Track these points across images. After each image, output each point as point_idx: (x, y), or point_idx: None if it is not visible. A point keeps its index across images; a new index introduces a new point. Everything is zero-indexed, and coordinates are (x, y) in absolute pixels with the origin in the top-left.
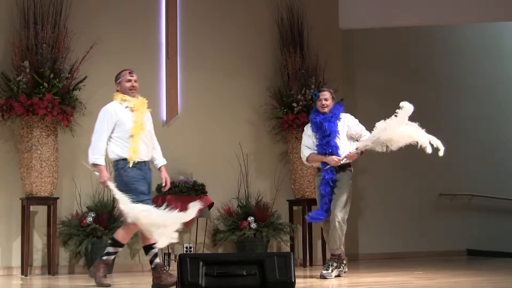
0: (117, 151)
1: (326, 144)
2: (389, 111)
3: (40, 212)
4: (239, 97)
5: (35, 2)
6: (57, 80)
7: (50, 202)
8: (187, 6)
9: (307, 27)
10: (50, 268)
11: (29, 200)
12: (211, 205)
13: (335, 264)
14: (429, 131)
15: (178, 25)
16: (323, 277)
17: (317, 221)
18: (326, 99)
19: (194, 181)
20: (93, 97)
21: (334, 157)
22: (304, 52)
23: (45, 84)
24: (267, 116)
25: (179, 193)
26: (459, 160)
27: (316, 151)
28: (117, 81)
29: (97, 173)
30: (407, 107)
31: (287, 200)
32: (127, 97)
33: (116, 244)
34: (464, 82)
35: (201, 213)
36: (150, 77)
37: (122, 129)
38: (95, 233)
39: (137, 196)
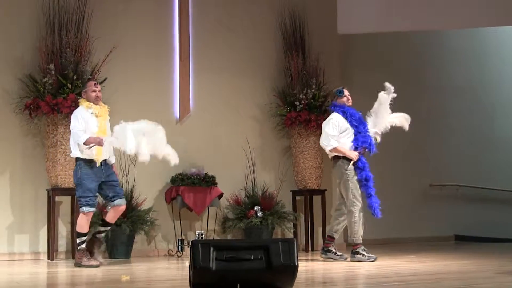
0: (80, 152)
1: (367, 137)
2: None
3: (64, 202)
4: (246, 97)
5: (60, 10)
6: (80, 81)
7: (73, 192)
8: (198, 15)
9: (308, 32)
10: (74, 253)
11: (54, 191)
12: (221, 195)
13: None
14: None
15: (190, 31)
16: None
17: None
18: (349, 95)
19: (205, 173)
20: (112, 97)
21: (355, 153)
22: (306, 55)
23: (69, 85)
24: (271, 113)
25: (191, 184)
26: (448, 152)
27: (352, 144)
28: (84, 90)
29: (92, 148)
30: (383, 97)
31: (291, 191)
32: (91, 104)
33: (80, 235)
34: (456, 83)
35: (211, 202)
36: (164, 79)
37: (87, 132)
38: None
39: (84, 192)
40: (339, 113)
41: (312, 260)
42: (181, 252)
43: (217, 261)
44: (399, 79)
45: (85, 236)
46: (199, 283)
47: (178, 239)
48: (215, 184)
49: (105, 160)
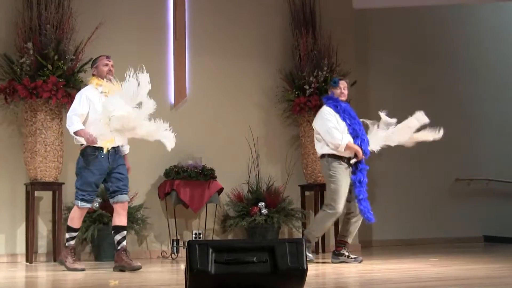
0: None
1: (361, 130)
2: (402, 93)
3: (45, 198)
4: (249, 80)
5: None
6: (62, 62)
7: (55, 187)
8: None
9: (320, 7)
10: (56, 255)
11: (33, 186)
12: (220, 191)
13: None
14: (444, 114)
15: (186, 5)
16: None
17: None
18: (345, 88)
19: (203, 165)
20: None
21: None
22: (317, 33)
23: (49, 66)
24: (278, 99)
25: (188, 178)
26: (476, 144)
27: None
28: (94, 65)
29: (82, 142)
30: (421, 119)
31: (299, 185)
32: (102, 81)
33: (69, 229)
34: (481, 64)
35: (210, 198)
36: (157, 59)
37: (94, 114)
38: (101, 219)
39: (82, 185)
40: (330, 106)
41: (323, 263)
42: (176, 254)
43: (216, 264)
44: (418, 61)
45: (76, 232)
46: None
47: (173, 240)
48: (214, 177)
49: (114, 148)
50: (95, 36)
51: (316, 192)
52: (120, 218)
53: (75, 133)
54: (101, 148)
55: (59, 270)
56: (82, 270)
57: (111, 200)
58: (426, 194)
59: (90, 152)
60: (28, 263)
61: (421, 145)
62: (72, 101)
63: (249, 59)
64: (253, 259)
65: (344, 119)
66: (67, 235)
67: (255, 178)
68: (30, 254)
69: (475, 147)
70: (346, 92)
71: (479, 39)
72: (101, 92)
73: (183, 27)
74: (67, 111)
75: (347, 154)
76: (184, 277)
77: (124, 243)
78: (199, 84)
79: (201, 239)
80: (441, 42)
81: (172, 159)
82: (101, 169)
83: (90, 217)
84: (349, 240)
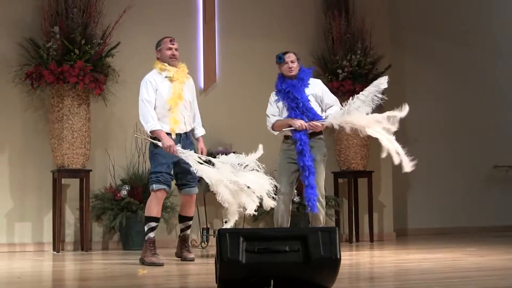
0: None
1: (303, 107)
2: (439, 76)
3: (72, 185)
4: None
5: None
6: (89, 46)
7: (82, 174)
8: None
9: None
10: (83, 243)
11: (60, 173)
12: None
13: None
14: (481, 99)
15: None
16: None
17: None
18: (292, 61)
19: (233, 152)
20: (127, 64)
21: (300, 120)
22: (350, 15)
23: (76, 51)
24: None
25: None
26: None
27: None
28: (158, 48)
29: (156, 142)
30: (378, 83)
31: (332, 172)
32: (166, 66)
33: (147, 219)
34: None
35: None
36: (186, 43)
37: (160, 99)
38: (129, 207)
39: (155, 167)
40: (275, 90)
41: (357, 252)
42: (206, 243)
43: (247, 253)
44: (456, 44)
45: (154, 221)
46: (226, 278)
47: (203, 228)
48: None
49: (186, 133)
50: (123, 20)
51: (350, 180)
52: (186, 210)
53: (151, 132)
54: (168, 134)
55: (87, 260)
56: (160, 265)
57: (180, 191)
58: (463, 181)
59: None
60: (55, 252)
61: (459, 130)
62: (99, 87)
63: (280, 42)
64: (285, 248)
65: (285, 99)
66: (145, 227)
67: None
68: (57, 243)
69: None
70: (293, 65)
71: None
72: (166, 77)
73: (213, 10)
74: (94, 96)
75: (282, 133)
76: (214, 267)
77: (187, 232)
78: (229, 69)
79: (231, 227)
80: (478, 24)
81: None
82: (171, 157)
83: (118, 205)
84: None
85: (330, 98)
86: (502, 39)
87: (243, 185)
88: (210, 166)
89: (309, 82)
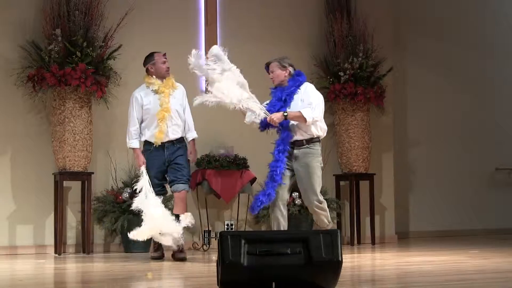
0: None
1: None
2: (440, 78)
3: (73, 188)
4: None
5: None
6: (91, 49)
7: (84, 177)
8: None
9: None
10: (85, 246)
11: (62, 175)
12: (253, 180)
13: None
14: (484, 101)
15: None
16: None
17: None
18: (272, 71)
19: (235, 154)
20: (129, 67)
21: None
22: (352, 18)
23: (78, 53)
24: None
25: (219, 167)
26: None
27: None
28: (151, 63)
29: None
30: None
31: (334, 175)
32: (152, 79)
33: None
34: None
35: (242, 188)
36: (188, 45)
37: (146, 113)
38: (131, 210)
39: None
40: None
41: (359, 254)
42: (208, 246)
43: (249, 255)
44: (458, 46)
45: None
46: (228, 280)
47: (204, 231)
48: (246, 167)
49: (172, 141)
50: (125, 22)
51: (352, 182)
52: (176, 207)
53: (131, 148)
54: (152, 143)
55: (88, 262)
56: (158, 257)
57: (170, 188)
58: (465, 184)
59: (146, 148)
60: (56, 255)
61: (461, 133)
62: (101, 89)
63: (282, 45)
64: (286, 250)
65: (272, 107)
66: None
67: None
68: (59, 246)
69: None
70: (272, 75)
71: None
72: (152, 90)
73: (214, 13)
74: (96, 99)
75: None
76: (216, 269)
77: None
78: None
79: (233, 230)
80: (480, 26)
81: (203, 148)
82: (157, 163)
83: (120, 208)
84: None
85: (306, 102)
86: (504, 42)
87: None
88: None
89: (300, 88)
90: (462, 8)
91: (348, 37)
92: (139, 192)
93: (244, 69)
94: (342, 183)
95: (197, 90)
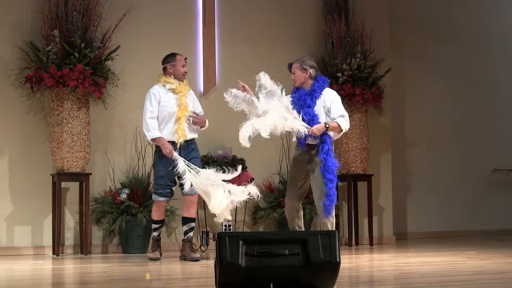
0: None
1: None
2: (438, 79)
3: (71, 189)
4: (279, 67)
5: None
6: (89, 49)
7: (82, 178)
8: None
9: None
10: (83, 247)
11: (60, 176)
12: (251, 181)
13: None
14: (482, 102)
15: None
16: None
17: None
18: (293, 73)
19: (233, 155)
20: (127, 68)
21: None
22: (350, 19)
23: (76, 54)
24: None
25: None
26: None
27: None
28: (171, 63)
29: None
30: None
31: None
32: (170, 79)
33: (151, 221)
34: None
35: None
36: (186, 46)
37: (162, 111)
38: (129, 211)
39: (156, 178)
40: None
41: (357, 255)
42: (206, 246)
43: (246, 256)
44: (456, 47)
45: (157, 223)
46: (226, 281)
47: (202, 231)
48: (244, 168)
49: (187, 141)
50: (123, 23)
51: (350, 183)
52: (188, 210)
53: (152, 140)
54: (172, 143)
55: (86, 263)
56: (156, 259)
57: (182, 191)
58: (463, 185)
59: (159, 148)
60: (54, 256)
61: (458, 134)
62: (99, 90)
63: (280, 45)
64: (284, 251)
65: (296, 108)
66: (153, 226)
67: (286, 168)
68: (57, 247)
69: None
70: (294, 76)
71: None
72: (169, 89)
73: (213, 13)
74: (94, 100)
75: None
76: (214, 270)
77: (190, 234)
78: (229, 72)
79: (231, 231)
80: (478, 27)
81: (201, 149)
82: (172, 163)
83: (118, 209)
84: None
85: (335, 112)
86: (502, 42)
87: (221, 183)
88: (195, 172)
89: (322, 93)
90: (460, 8)
91: (346, 38)
92: (184, 176)
93: (242, 70)
94: (340, 184)
95: (196, 92)
